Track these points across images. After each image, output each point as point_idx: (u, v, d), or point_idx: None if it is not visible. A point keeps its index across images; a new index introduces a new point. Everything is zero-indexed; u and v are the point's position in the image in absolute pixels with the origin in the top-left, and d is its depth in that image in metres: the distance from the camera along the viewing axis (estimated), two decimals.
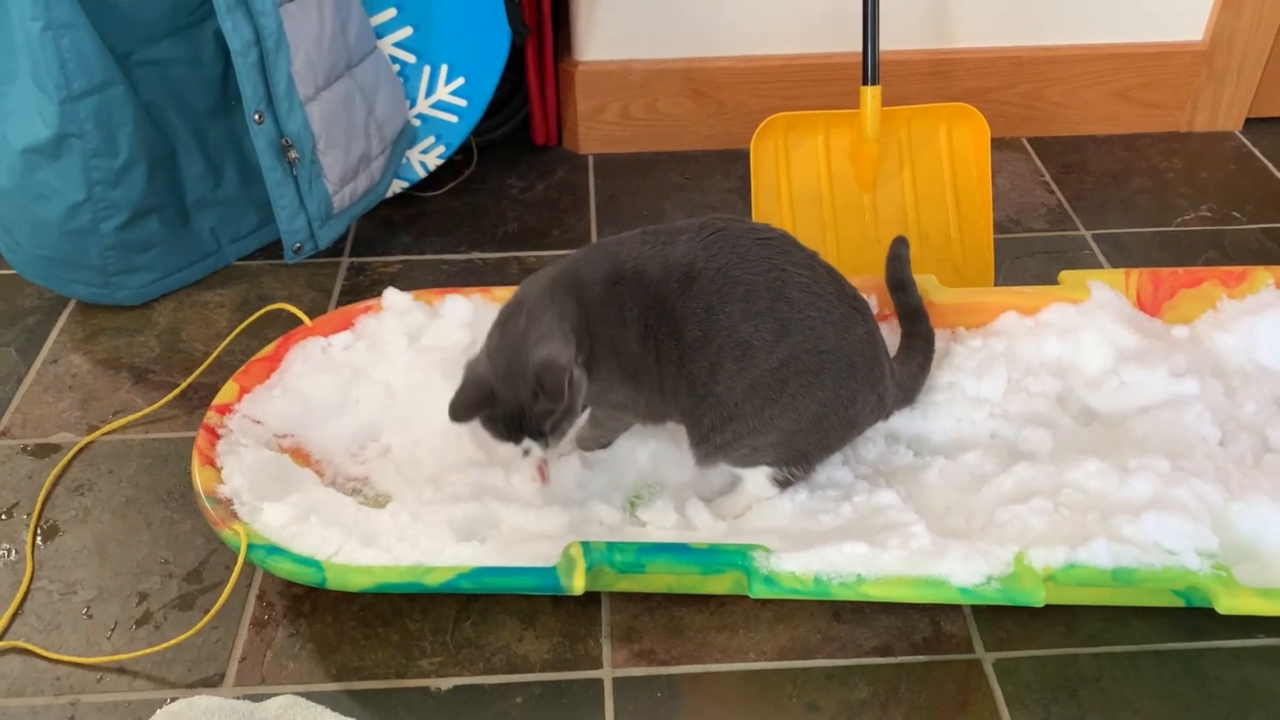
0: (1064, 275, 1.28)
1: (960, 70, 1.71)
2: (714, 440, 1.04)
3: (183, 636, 1.00)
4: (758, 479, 1.07)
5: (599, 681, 0.99)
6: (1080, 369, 1.20)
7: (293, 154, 1.36)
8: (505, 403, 0.98)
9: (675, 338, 1.00)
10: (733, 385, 1.00)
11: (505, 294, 1.28)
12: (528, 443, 1.00)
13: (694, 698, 0.97)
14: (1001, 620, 1.03)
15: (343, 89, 1.40)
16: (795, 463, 1.06)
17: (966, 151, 1.42)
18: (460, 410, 0.99)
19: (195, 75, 1.38)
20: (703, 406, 1.02)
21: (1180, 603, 1.00)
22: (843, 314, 1.02)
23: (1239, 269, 1.30)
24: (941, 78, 1.72)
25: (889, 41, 1.63)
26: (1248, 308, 1.27)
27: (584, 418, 1.05)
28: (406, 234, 1.57)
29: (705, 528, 1.08)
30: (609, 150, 1.76)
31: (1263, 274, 1.29)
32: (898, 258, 1.18)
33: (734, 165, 1.70)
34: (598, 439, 1.14)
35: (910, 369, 1.14)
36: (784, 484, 1.08)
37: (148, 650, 1.00)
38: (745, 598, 1.02)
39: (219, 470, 1.07)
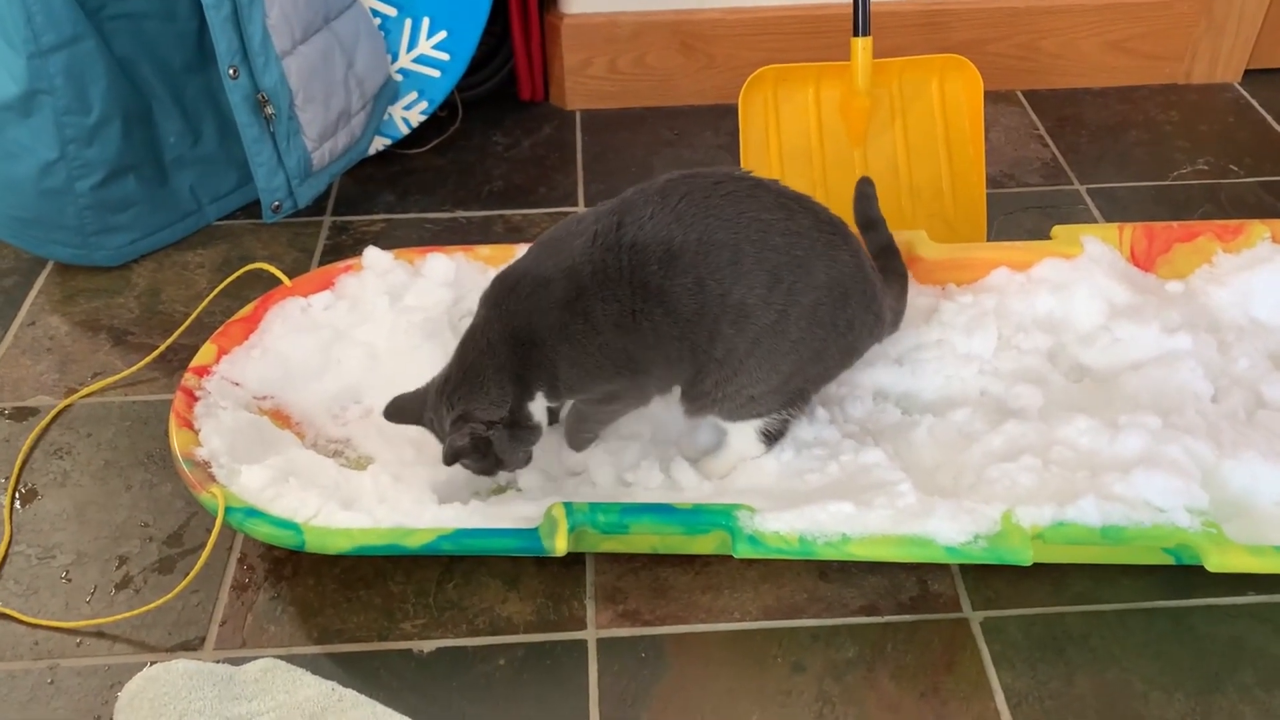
0: (1056, 230, 1.26)
1: (955, 21, 1.68)
2: (714, 394, 1.02)
3: (162, 600, 1.00)
4: (746, 435, 1.06)
5: (583, 643, 0.98)
6: (1072, 325, 1.18)
7: (269, 110, 1.33)
8: (431, 430, 1.02)
9: (670, 315, 0.97)
10: (734, 347, 0.98)
11: (488, 252, 1.27)
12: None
13: (678, 658, 0.96)
14: (989, 579, 1.02)
15: (321, 43, 1.37)
16: (792, 403, 1.04)
17: (959, 104, 1.39)
18: (393, 412, 1.05)
19: (170, 29, 1.35)
20: (705, 369, 1.00)
21: (1170, 560, 0.99)
22: (826, 243, 1.00)
23: (1235, 223, 1.27)
24: (936, 29, 1.68)
25: None
26: (1243, 262, 1.25)
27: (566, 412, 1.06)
28: (390, 192, 1.55)
29: (691, 487, 1.07)
30: (596, 105, 1.73)
31: (1259, 228, 1.27)
32: (865, 197, 1.15)
33: (724, 120, 1.67)
34: (584, 436, 1.09)
35: (888, 301, 1.11)
36: (773, 438, 1.06)
37: (127, 614, 0.99)
38: (731, 558, 1.01)
39: (197, 433, 1.06)
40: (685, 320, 0.97)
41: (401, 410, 1.04)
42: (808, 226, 1.00)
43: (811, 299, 0.98)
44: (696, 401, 1.04)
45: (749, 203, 0.98)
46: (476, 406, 0.98)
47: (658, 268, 0.96)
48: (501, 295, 1.00)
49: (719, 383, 1.01)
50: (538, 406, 1.00)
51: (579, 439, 1.08)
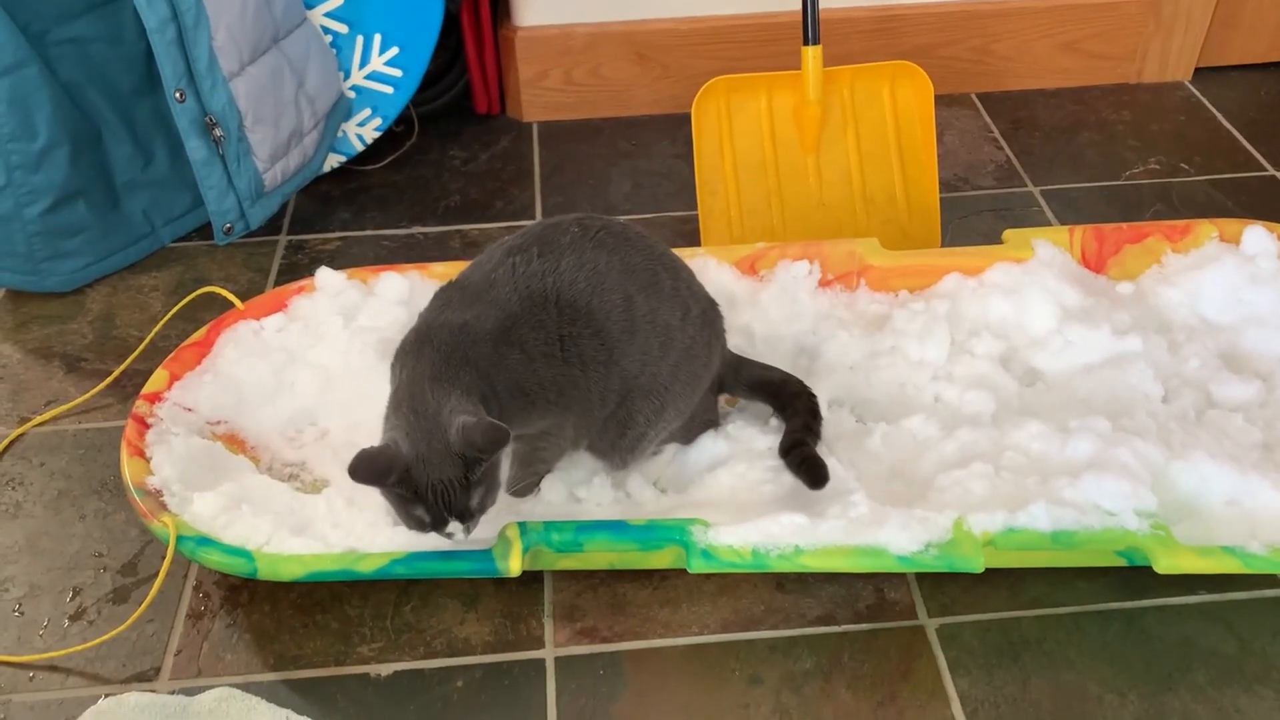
0: (1008, 234, 1.27)
1: (908, 26, 1.69)
2: (648, 434, 1.03)
3: (116, 631, 0.99)
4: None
5: (541, 661, 0.98)
6: (1024, 329, 1.19)
7: (218, 132, 1.32)
8: (429, 481, 0.89)
9: (599, 336, 0.97)
10: (658, 371, 1.00)
11: (442, 270, 1.27)
12: (454, 526, 0.92)
13: (637, 674, 0.97)
14: (945, 586, 1.02)
15: (270, 63, 1.36)
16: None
17: (911, 111, 1.40)
18: (365, 471, 0.88)
19: (116, 53, 1.34)
20: (632, 400, 1.00)
21: (1122, 562, 1.00)
22: (689, 278, 1.05)
23: (1183, 223, 1.29)
24: (889, 34, 1.69)
25: None
26: (1192, 262, 1.26)
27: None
28: (345, 209, 1.54)
29: (648, 501, 1.07)
30: (553, 117, 1.73)
31: (1206, 227, 1.28)
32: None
33: (680, 129, 1.67)
34: (526, 480, 1.05)
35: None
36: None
37: (81, 646, 0.98)
38: (688, 571, 1.01)
39: (148, 461, 1.05)
40: (615, 341, 0.98)
41: (377, 470, 0.89)
42: (676, 265, 1.06)
43: (695, 329, 1.03)
44: (628, 449, 1.04)
45: (651, 238, 1.04)
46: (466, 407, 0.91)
47: (586, 286, 0.97)
48: (433, 343, 0.95)
49: (650, 418, 1.01)
50: None
51: (522, 485, 1.05)
